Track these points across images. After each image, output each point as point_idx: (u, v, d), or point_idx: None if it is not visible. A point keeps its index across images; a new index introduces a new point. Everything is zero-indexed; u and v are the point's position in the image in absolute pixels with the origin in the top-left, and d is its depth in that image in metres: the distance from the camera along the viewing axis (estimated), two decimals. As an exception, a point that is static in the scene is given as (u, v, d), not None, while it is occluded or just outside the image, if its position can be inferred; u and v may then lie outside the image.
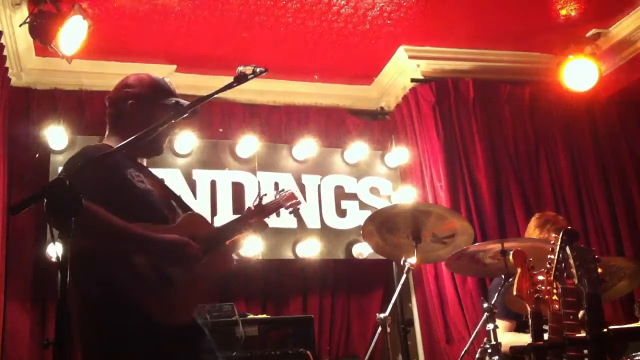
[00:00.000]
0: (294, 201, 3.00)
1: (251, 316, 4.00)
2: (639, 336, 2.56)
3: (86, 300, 2.25)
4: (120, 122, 2.59)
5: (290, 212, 3.02)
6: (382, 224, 3.63)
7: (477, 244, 3.47)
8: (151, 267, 2.31)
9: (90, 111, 4.84)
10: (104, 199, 2.24)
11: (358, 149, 5.29)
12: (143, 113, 2.54)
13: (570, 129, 5.50)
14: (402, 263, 3.54)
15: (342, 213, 5.11)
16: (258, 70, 2.17)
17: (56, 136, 4.51)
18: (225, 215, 4.79)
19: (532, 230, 3.88)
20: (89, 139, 4.59)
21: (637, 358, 2.67)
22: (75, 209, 1.69)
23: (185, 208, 2.67)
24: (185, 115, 2.30)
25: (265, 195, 2.88)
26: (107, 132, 2.63)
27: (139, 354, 2.24)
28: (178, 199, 2.69)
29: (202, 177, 4.82)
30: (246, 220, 2.71)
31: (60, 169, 4.45)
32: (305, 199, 5.05)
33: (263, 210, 2.81)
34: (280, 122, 5.38)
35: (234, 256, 2.67)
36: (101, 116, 4.63)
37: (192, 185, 4.77)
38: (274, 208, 2.91)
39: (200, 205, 4.73)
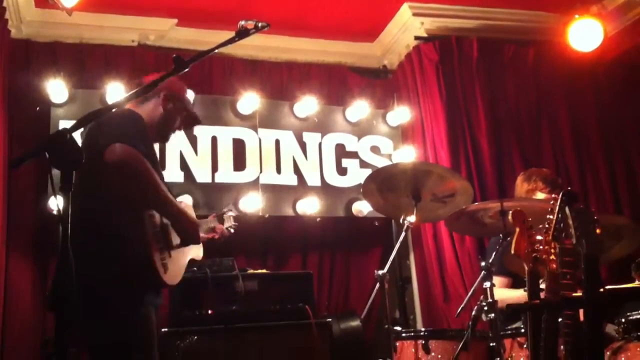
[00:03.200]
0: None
1: (251, 271, 4.04)
2: (634, 296, 2.60)
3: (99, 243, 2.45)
4: (148, 103, 2.90)
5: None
6: (383, 182, 3.64)
7: (476, 203, 3.49)
8: (163, 231, 2.62)
9: (90, 64, 4.81)
10: None
11: (360, 107, 5.27)
12: (170, 109, 2.93)
13: (573, 90, 5.46)
14: (401, 221, 3.56)
15: (342, 171, 5.11)
16: (260, 25, 2.17)
17: (56, 89, 4.48)
18: (226, 172, 4.80)
19: (520, 185, 3.94)
20: (90, 92, 4.59)
21: (631, 318, 2.71)
22: (77, 163, 1.71)
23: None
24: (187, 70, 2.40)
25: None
26: (131, 102, 2.84)
27: (139, 303, 2.51)
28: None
29: (203, 132, 4.80)
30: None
31: (61, 122, 4.45)
32: (306, 156, 5.04)
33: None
34: (281, 79, 5.34)
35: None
36: (101, 70, 4.68)
37: (193, 141, 4.76)
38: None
39: (201, 161, 4.74)
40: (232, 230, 3.39)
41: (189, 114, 3.05)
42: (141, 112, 2.81)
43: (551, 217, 2.33)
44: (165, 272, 2.55)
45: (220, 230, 3.20)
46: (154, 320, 2.59)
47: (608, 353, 2.65)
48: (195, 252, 2.94)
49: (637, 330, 2.68)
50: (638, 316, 2.69)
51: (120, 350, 2.44)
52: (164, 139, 3.04)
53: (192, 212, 2.91)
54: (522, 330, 3.03)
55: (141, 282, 2.50)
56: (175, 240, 2.70)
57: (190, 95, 3.10)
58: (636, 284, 2.75)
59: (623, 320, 2.72)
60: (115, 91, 4.48)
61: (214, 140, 4.84)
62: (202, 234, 2.96)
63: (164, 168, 4.55)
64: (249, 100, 4.95)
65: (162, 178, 2.73)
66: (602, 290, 2.25)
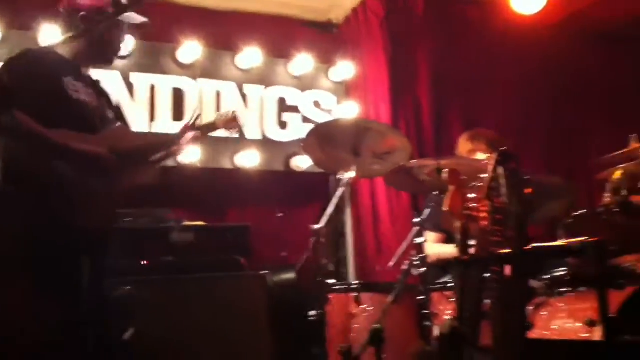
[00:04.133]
0: (233, 124, 3.12)
1: (187, 223, 3.99)
2: (557, 254, 2.70)
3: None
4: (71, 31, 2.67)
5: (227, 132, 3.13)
6: (324, 138, 3.63)
7: (414, 160, 3.52)
8: (70, 173, 2.44)
9: (24, 4, 4.57)
10: (34, 105, 2.35)
11: (304, 61, 5.22)
12: (93, 32, 2.65)
13: (516, 51, 5.50)
14: (340, 177, 3.58)
15: (283, 125, 5.09)
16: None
17: (-12, 30, 4.27)
18: (164, 121, 4.71)
19: (464, 143, 3.98)
20: (23, 33, 4.39)
21: (553, 275, 2.82)
22: (6, 104, 1.67)
23: (124, 121, 2.85)
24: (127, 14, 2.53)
25: (200, 115, 3.01)
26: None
27: (50, 255, 2.38)
28: (118, 111, 2.86)
29: (141, 81, 4.68)
30: (177, 138, 2.89)
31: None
32: (247, 109, 4.98)
33: (196, 131, 2.96)
34: (224, 29, 5.20)
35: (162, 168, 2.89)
36: (36, 10, 4.46)
37: (130, 89, 4.63)
38: (209, 129, 3.07)
39: (138, 110, 4.62)
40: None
41: (121, 22, 2.73)
42: (74, 48, 2.67)
43: (485, 176, 2.38)
44: (88, 216, 2.44)
45: (186, 138, 2.88)
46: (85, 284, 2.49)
47: (531, 308, 2.75)
48: (140, 178, 2.74)
49: (559, 287, 2.80)
50: (559, 273, 2.81)
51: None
52: (108, 62, 2.83)
53: (127, 139, 2.71)
54: (450, 285, 3.12)
55: (64, 235, 2.38)
56: (92, 179, 2.52)
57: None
58: (561, 242, 2.85)
59: (546, 277, 2.83)
60: (50, 32, 4.29)
61: (152, 88, 4.72)
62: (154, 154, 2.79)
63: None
64: (190, 49, 4.83)
65: (81, 113, 2.58)
66: (527, 247, 2.33)
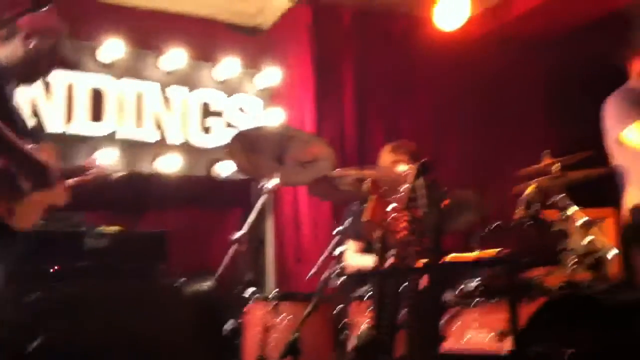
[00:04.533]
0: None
1: (103, 228, 3.86)
2: (472, 265, 2.77)
3: None
4: (10, 42, 2.69)
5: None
6: (248, 144, 3.59)
7: (337, 170, 3.53)
8: (8, 174, 2.44)
9: None
10: None
11: (230, 65, 5.16)
12: (31, 49, 2.70)
13: (439, 65, 5.59)
14: (262, 184, 3.55)
15: (206, 130, 5.01)
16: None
17: None
18: (81, 122, 4.55)
19: (387, 154, 4.03)
20: None
21: (470, 285, 2.88)
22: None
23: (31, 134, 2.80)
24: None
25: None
26: None
27: None
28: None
29: (58, 79, 4.49)
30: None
31: None
32: (169, 112, 4.88)
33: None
34: (149, 28, 5.07)
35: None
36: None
37: (46, 87, 4.45)
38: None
39: (54, 110, 4.44)
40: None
41: (56, 56, 2.85)
42: (2, 51, 2.66)
43: (405, 187, 2.41)
44: (11, 217, 2.41)
45: (96, 172, 3.09)
46: None
47: (445, 318, 2.80)
48: (55, 198, 2.74)
49: (472, 298, 2.86)
50: (472, 284, 2.87)
51: None
52: (28, 82, 2.83)
53: (50, 157, 2.69)
54: (368, 295, 3.14)
55: None
56: (27, 184, 2.52)
57: (62, 34, 2.89)
58: (475, 253, 2.92)
59: (459, 288, 2.90)
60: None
61: (70, 87, 4.55)
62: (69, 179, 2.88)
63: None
64: (112, 48, 4.69)
65: (16, 122, 2.56)
66: (443, 258, 2.38)
